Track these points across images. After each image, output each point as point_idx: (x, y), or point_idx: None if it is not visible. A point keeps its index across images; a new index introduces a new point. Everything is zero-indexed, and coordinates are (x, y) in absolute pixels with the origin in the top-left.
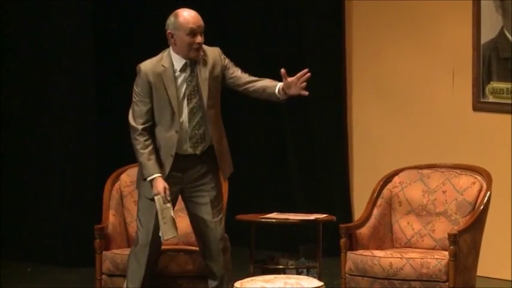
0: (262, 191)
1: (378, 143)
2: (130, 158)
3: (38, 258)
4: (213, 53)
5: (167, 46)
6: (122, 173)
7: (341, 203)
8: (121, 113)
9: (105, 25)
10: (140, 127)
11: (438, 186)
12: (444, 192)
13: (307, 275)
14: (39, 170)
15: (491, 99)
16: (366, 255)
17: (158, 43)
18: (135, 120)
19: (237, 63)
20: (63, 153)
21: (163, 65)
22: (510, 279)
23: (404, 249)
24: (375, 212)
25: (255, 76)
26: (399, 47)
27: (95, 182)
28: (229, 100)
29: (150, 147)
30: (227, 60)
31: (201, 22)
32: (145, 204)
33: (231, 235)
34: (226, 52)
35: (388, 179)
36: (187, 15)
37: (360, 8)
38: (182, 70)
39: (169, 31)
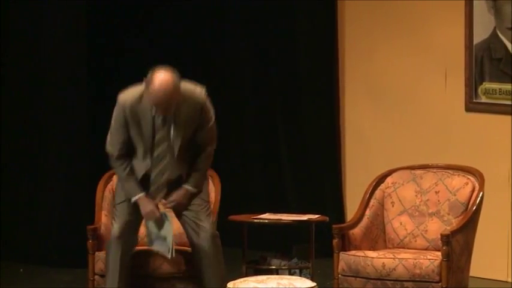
0: (255, 192)
1: (370, 143)
2: None
3: (30, 259)
4: (195, 101)
5: (159, 49)
6: (114, 173)
7: (334, 203)
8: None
9: (98, 25)
10: (116, 153)
11: (431, 186)
12: (437, 192)
13: (300, 275)
14: (32, 171)
15: (483, 99)
16: (359, 256)
17: (151, 41)
18: (111, 146)
19: (231, 65)
20: (55, 154)
21: (142, 103)
22: (503, 279)
23: (397, 249)
24: (368, 212)
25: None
26: (392, 46)
27: (88, 182)
28: (222, 102)
29: (128, 169)
30: (205, 118)
31: (166, 101)
32: (120, 208)
33: (224, 236)
34: (220, 53)
35: (380, 180)
36: (156, 90)
37: (352, 8)
38: (157, 113)
39: (145, 82)
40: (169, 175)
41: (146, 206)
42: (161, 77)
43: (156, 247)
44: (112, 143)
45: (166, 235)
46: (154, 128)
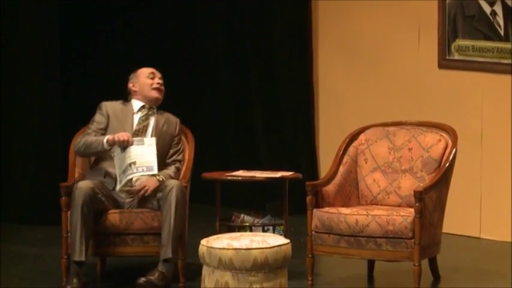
0: (228, 149)
1: (343, 101)
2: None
3: (3, 216)
4: (171, 117)
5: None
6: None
7: (307, 160)
8: (86, 69)
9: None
10: (89, 132)
11: (404, 143)
12: (410, 149)
13: (274, 232)
14: (4, 128)
15: (456, 56)
16: (332, 213)
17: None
18: (85, 136)
19: (203, 26)
20: (27, 110)
21: (124, 105)
22: (474, 235)
23: (370, 206)
24: (341, 169)
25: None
26: (365, 4)
27: (61, 139)
28: (196, 63)
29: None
30: (179, 135)
31: (158, 72)
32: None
33: (197, 193)
34: (193, 14)
35: (354, 137)
36: (144, 67)
37: None
38: (139, 110)
39: (130, 83)
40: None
41: (119, 135)
42: None
43: (132, 173)
44: (87, 133)
45: (148, 154)
46: (132, 123)
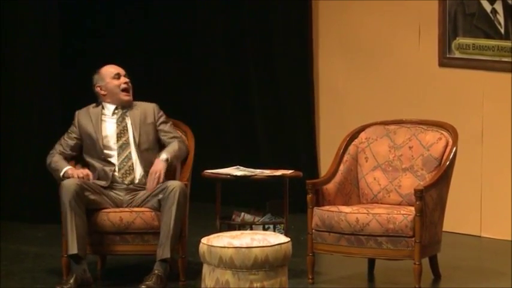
0: (229, 148)
1: (344, 99)
2: None
3: (3, 215)
4: (146, 106)
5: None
6: None
7: (308, 159)
8: (86, 67)
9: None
10: (58, 151)
11: (404, 142)
12: (410, 147)
13: (274, 230)
14: (3, 125)
15: (457, 54)
16: (333, 211)
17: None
18: (57, 146)
19: (202, 20)
20: (27, 109)
21: (96, 109)
22: (475, 234)
23: (370, 204)
24: (342, 167)
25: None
26: (365, 2)
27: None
28: (196, 59)
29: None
30: (162, 117)
31: (121, 68)
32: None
33: (197, 191)
34: (192, 6)
35: (354, 135)
36: (106, 66)
37: None
38: (112, 114)
39: (97, 86)
40: (133, 163)
41: (79, 172)
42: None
43: None
44: (59, 144)
45: None
46: (106, 127)
